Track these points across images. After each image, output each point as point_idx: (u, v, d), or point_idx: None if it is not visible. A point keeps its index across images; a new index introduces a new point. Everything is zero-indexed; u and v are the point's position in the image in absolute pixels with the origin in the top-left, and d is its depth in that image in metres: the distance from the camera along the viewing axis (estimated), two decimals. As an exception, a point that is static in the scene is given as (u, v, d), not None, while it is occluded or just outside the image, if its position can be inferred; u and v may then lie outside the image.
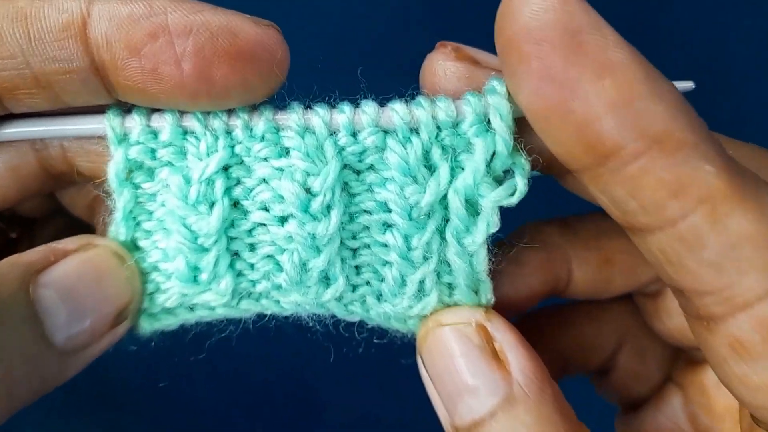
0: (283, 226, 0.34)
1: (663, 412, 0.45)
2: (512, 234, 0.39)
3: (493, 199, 0.33)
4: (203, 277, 0.36)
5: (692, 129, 0.28)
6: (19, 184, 0.39)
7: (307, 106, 0.34)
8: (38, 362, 0.33)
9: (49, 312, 0.34)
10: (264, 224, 0.35)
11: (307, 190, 0.34)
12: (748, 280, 0.28)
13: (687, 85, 0.33)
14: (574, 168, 0.30)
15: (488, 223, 0.34)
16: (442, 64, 0.35)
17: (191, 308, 0.38)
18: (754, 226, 0.27)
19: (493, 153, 0.33)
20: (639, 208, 0.29)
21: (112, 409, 0.78)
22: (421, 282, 0.36)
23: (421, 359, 0.37)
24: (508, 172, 0.34)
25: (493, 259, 0.36)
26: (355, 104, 0.34)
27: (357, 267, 0.37)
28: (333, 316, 0.39)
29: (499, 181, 0.34)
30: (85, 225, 0.49)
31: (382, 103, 0.34)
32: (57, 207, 0.48)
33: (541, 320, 0.46)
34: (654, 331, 0.44)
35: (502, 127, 0.32)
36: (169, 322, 0.39)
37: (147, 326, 0.39)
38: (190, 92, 0.32)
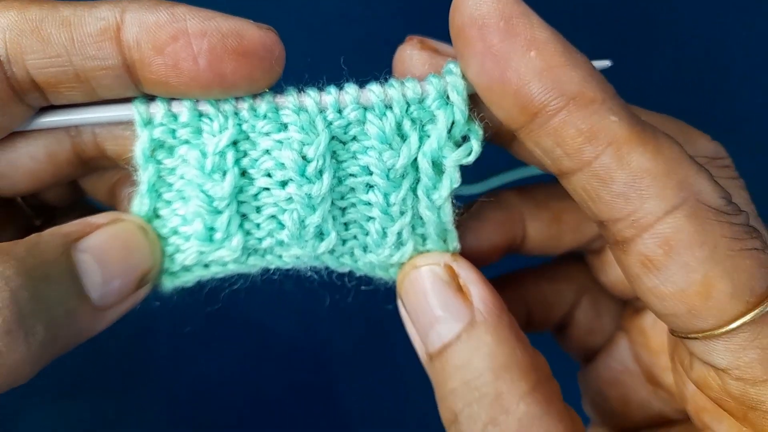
0: (283, 188, 0.42)
1: (614, 357, 0.52)
2: (475, 200, 0.47)
3: (454, 159, 0.41)
4: (218, 236, 0.43)
5: (601, 89, 0.35)
6: (54, 169, 0.45)
7: (301, 90, 0.42)
8: (76, 315, 0.39)
9: (87, 272, 0.40)
10: (268, 188, 0.42)
11: (303, 158, 0.41)
12: (648, 205, 0.34)
13: (604, 63, 0.41)
14: (513, 127, 0.38)
15: (451, 179, 0.41)
16: (410, 53, 0.43)
17: (206, 265, 0.45)
18: (650, 162, 0.34)
19: (453, 122, 0.40)
20: (563, 154, 0.36)
21: (115, 392, 0.81)
22: (399, 233, 0.43)
23: (400, 299, 0.44)
24: (466, 138, 0.41)
25: (457, 211, 0.43)
26: (340, 87, 0.42)
27: (346, 223, 0.44)
28: (327, 268, 0.46)
29: (458, 145, 0.41)
30: (101, 212, 0.56)
31: (361, 85, 0.41)
32: (77, 198, 0.54)
33: (507, 283, 0.53)
34: (601, 285, 0.51)
35: (458, 100, 0.40)
36: (187, 279, 0.46)
37: (168, 283, 0.46)
38: (205, 84, 0.39)
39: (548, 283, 0.53)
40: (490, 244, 0.47)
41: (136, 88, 0.41)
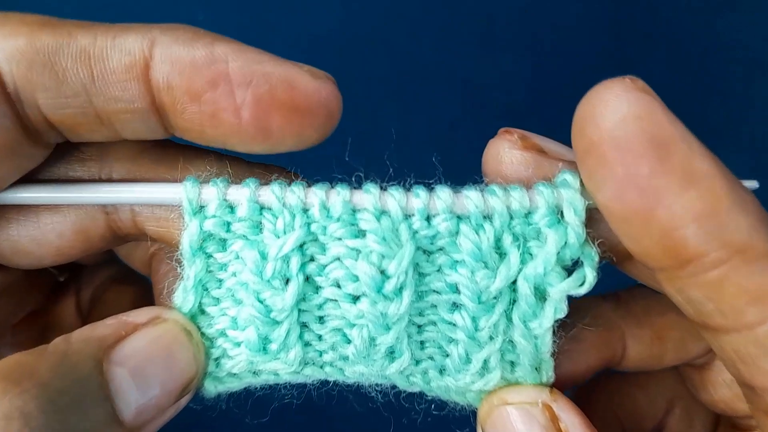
0: (354, 303, 0.35)
1: None
2: (571, 313, 0.40)
3: (561, 290, 0.34)
4: (273, 347, 0.37)
5: None
6: (84, 245, 0.40)
7: (383, 188, 0.35)
8: None
9: (121, 390, 0.34)
10: (335, 300, 0.36)
11: (382, 272, 0.35)
12: None
13: (752, 184, 0.34)
14: (650, 267, 0.31)
15: (556, 309, 0.35)
16: (509, 153, 0.36)
17: (256, 373, 0.39)
18: None
19: (564, 244, 0.34)
20: (716, 310, 0.30)
21: None
22: (486, 360, 0.37)
23: None
24: (577, 262, 0.34)
25: (556, 341, 0.37)
26: (429, 188, 0.35)
27: (422, 342, 0.38)
28: (393, 386, 0.40)
29: (567, 270, 0.35)
30: (134, 274, 0.50)
31: (454, 188, 0.35)
32: (108, 254, 0.48)
33: (596, 391, 0.47)
34: (698, 399, 0.45)
35: (574, 221, 0.33)
36: (234, 385, 0.40)
37: (211, 389, 0.40)
38: (247, 138, 0.33)
39: (641, 391, 0.47)
40: (587, 368, 0.40)
41: (166, 131, 0.35)
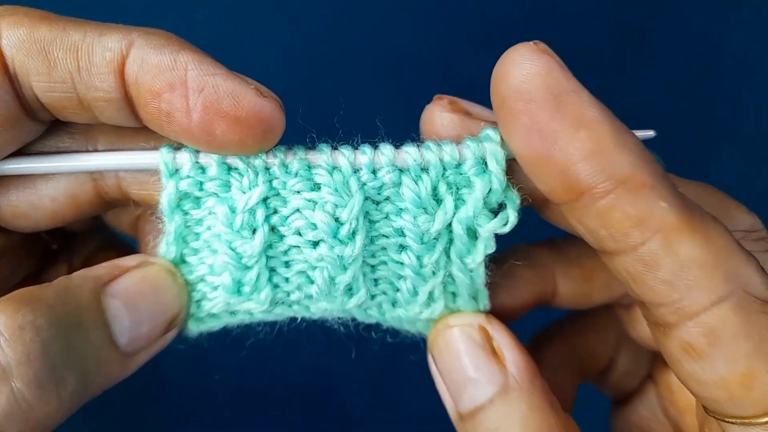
0: (315, 249, 0.41)
1: (644, 404, 0.52)
2: (506, 252, 0.46)
3: (489, 229, 0.40)
4: (246, 289, 0.43)
5: (651, 173, 0.34)
6: (75, 209, 0.45)
7: (334, 148, 0.41)
8: (106, 362, 0.39)
9: (116, 318, 0.40)
10: (298, 246, 0.42)
11: (336, 219, 0.40)
12: (695, 294, 0.33)
13: (648, 133, 0.40)
14: (556, 202, 0.37)
15: (485, 246, 0.41)
16: (440, 115, 0.41)
17: (233, 313, 0.45)
18: (699, 252, 0.33)
19: (489, 190, 0.39)
20: (608, 235, 0.35)
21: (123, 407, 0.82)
22: (431, 292, 0.43)
23: (432, 356, 0.44)
24: (502, 205, 0.40)
25: (490, 273, 0.43)
26: (374, 145, 0.40)
27: (375, 279, 0.44)
28: (353, 319, 0.46)
29: (494, 212, 0.40)
30: (122, 240, 0.55)
31: (395, 144, 0.40)
32: (97, 223, 0.54)
33: (553, 335, 0.53)
34: (630, 337, 0.50)
35: (497, 169, 0.39)
36: (213, 324, 0.46)
37: (194, 328, 0.46)
38: (195, 138, 0.38)
39: (594, 332, 0.53)
40: (521, 301, 0.46)
41: (137, 120, 0.40)
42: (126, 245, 0.55)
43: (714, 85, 0.85)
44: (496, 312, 0.44)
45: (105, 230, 0.54)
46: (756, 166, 0.86)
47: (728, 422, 0.35)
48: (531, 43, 0.36)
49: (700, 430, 0.44)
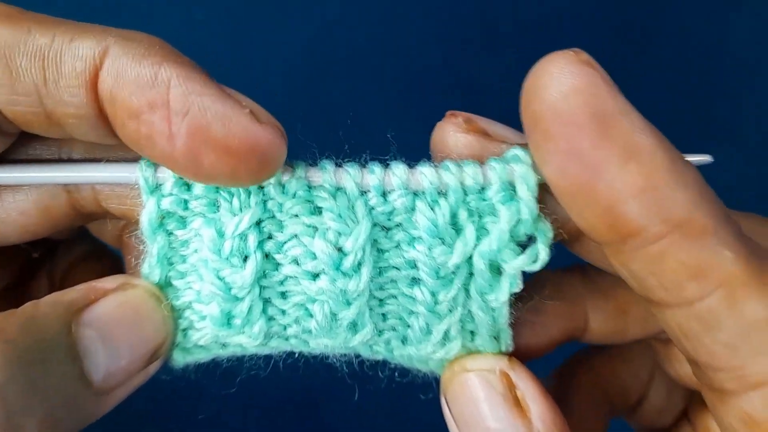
0: (314, 280, 0.36)
1: None
2: (532, 282, 0.40)
3: (515, 266, 0.34)
4: (236, 321, 0.37)
5: (712, 215, 0.29)
6: (48, 222, 0.40)
7: (339, 165, 0.35)
8: (77, 401, 0.34)
9: (89, 351, 0.35)
10: (295, 277, 0.36)
11: (339, 249, 0.35)
12: (761, 362, 0.29)
13: (704, 158, 0.34)
14: (595, 241, 0.32)
15: (511, 284, 0.35)
16: (454, 136, 0.35)
17: (224, 345, 0.40)
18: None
19: (518, 220, 0.34)
20: (658, 285, 0.30)
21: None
22: (446, 331, 0.37)
23: (446, 401, 0.39)
24: (531, 238, 0.35)
25: (514, 313, 0.37)
26: (385, 164, 0.35)
27: (383, 314, 0.38)
28: (357, 355, 0.41)
29: (521, 245, 0.35)
30: (107, 249, 0.50)
31: (410, 164, 0.35)
32: (81, 231, 0.49)
33: (580, 369, 0.48)
34: (666, 374, 0.45)
35: (527, 196, 0.33)
36: (202, 356, 0.41)
37: (180, 359, 0.41)
38: (179, 167, 0.33)
39: (624, 365, 0.48)
40: (548, 339, 0.41)
41: (115, 138, 0.35)
42: (112, 255, 0.51)
43: (714, 85, 0.84)
44: (519, 351, 0.39)
45: (89, 238, 0.50)
46: (756, 166, 0.84)
47: None
48: (570, 51, 0.30)
49: None
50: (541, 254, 0.34)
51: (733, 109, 0.83)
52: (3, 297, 0.48)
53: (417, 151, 0.36)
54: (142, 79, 0.31)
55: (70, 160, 0.38)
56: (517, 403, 0.36)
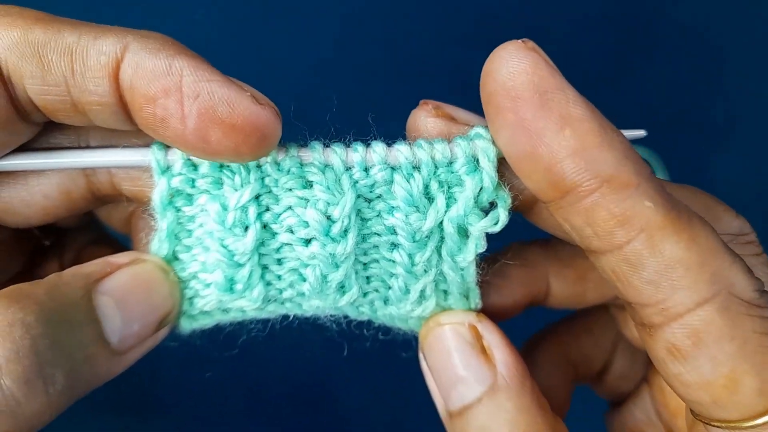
0: (307, 246, 0.41)
1: (639, 406, 0.52)
2: (499, 251, 0.46)
3: (480, 227, 0.40)
4: (238, 287, 0.43)
5: (636, 172, 0.34)
6: (68, 204, 0.45)
7: (326, 145, 0.41)
8: (96, 360, 0.39)
9: (107, 316, 0.39)
10: (290, 244, 0.42)
11: (328, 217, 0.40)
12: (679, 296, 0.33)
13: (638, 133, 0.40)
14: (542, 201, 0.37)
15: (476, 245, 0.41)
16: (424, 120, 0.41)
17: (225, 311, 0.45)
18: (684, 252, 0.33)
19: (480, 188, 0.39)
20: (593, 234, 0.35)
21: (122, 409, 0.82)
22: (422, 290, 0.43)
23: (423, 354, 0.44)
24: (493, 203, 0.40)
25: (481, 272, 0.43)
26: (366, 143, 0.40)
27: (367, 277, 0.44)
28: (345, 316, 0.46)
29: (485, 211, 0.40)
30: (113, 237, 0.55)
31: (388, 143, 0.40)
32: (89, 219, 0.54)
33: (546, 340, 0.53)
34: (625, 337, 0.50)
35: (488, 166, 0.39)
36: (206, 322, 0.46)
37: (186, 326, 0.46)
38: (190, 145, 0.38)
39: (588, 336, 0.53)
40: (513, 301, 0.47)
41: (132, 125, 0.40)
42: (117, 242, 0.55)
43: (713, 85, 0.85)
44: (488, 311, 0.45)
45: (96, 226, 0.54)
46: (755, 166, 0.86)
47: (713, 426, 0.35)
48: (519, 41, 0.36)
49: (688, 430, 0.44)
50: (501, 217, 0.40)
51: (733, 109, 0.85)
52: (14, 283, 0.52)
53: (396, 135, 0.41)
54: (158, 70, 0.37)
55: (89, 147, 0.43)
56: (483, 351, 0.42)
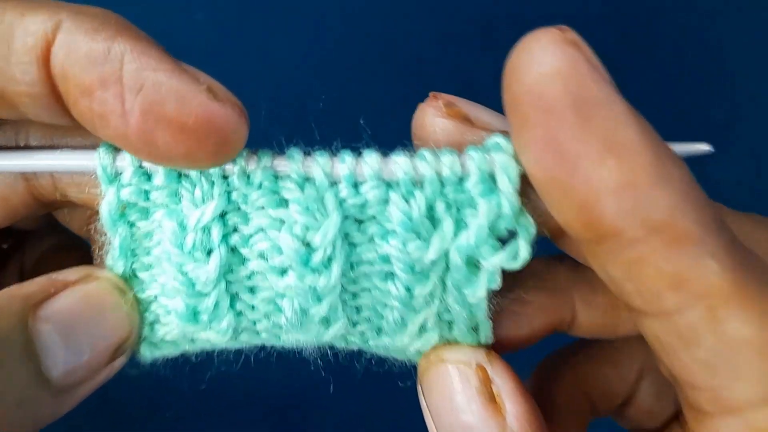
0: (282, 276, 0.34)
1: None
2: (517, 274, 0.39)
3: (494, 263, 0.32)
4: (203, 317, 0.36)
5: (698, 219, 0.26)
6: (7, 212, 0.38)
7: (307, 153, 0.33)
8: (33, 401, 0.33)
9: (48, 348, 0.33)
10: (262, 272, 0.35)
11: (307, 244, 0.33)
12: (741, 386, 0.27)
13: (703, 148, 0.31)
14: (574, 237, 0.29)
15: (489, 281, 0.33)
16: (432, 120, 0.33)
17: (192, 340, 0.38)
18: (753, 332, 0.26)
19: (498, 214, 0.32)
20: (635, 292, 0.28)
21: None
22: (423, 323, 0.36)
23: (422, 390, 0.37)
24: (512, 232, 0.33)
25: (494, 305, 0.35)
26: (357, 152, 0.33)
27: (357, 308, 0.36)
28: (332, 346, 0.39)
29: (502, 240, 0.33)
30: (79, 239, 0.48)
31: (383, 149, 0.33)
32: (51, 221, 0.47)
33: (561, 366, 0.45)
34: (656, 371, 0.43)
35: (508, 188, 0.31)
36: (170, 351, 0.39)
37: (147, 354, 0.39)
38: (134, 147, 0.31)
39: (611, 367, 0.45)
40: (530, 330, 0.39)
41: (70, 119, 0.33)
42: (84, 245, 0.48)
43: (714, 85, 0.82)
44: (500, 342, 0.37)
45: (60, 229, 0.48)
46: (756, 166, 0.83)
47: None
48: (555, 29, 0.28)
49: None
50: (521, 252, 0.32)
51: (733, 109, 0.82)
52: None
53: (393, 142, 0.34)
54: (95, 54, 0.30)
55: (27, 147, 0.36)
56: (492, 399, 0.35)
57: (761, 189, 0.82)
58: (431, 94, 0.33)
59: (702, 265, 0.26)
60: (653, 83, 0.79)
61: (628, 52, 0.78)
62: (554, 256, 0.40)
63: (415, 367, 0.39)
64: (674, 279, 0.26)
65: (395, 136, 0.33)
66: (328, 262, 0.33)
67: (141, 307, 0.37)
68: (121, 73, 0.29)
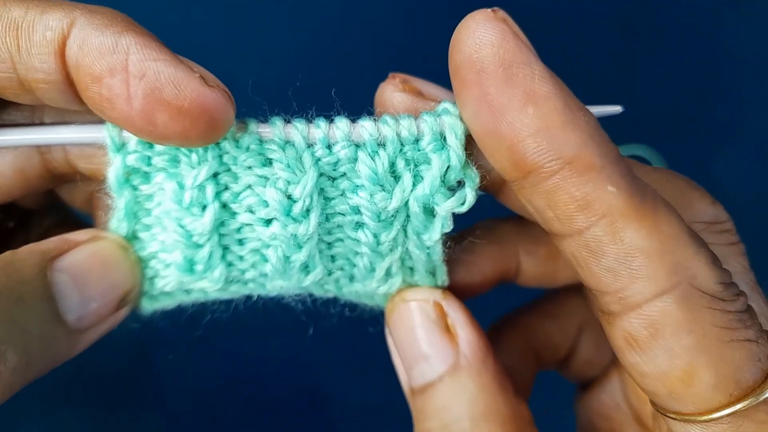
0: (267, 227, 0.40)
1: (607, 391, 0.51)
2: (468, 227, 0.45)
3: (446, 208, 0.39)
4: (198, 267, 0.41)
5: (600, 154, 0.33)
6: (24, 183, 0.43)
7: (288, 121, 0.39)
8: (52, 339, 0.38)
9: (63, 294, 0.38)
10: (250, 224, 0.40)
11: (288, 197, 0.39)
12: (638, 285, 0.33)
13: (614, 108, 0.38)
14: (506, 179, 0.36)
15: (442, 225, 0.40)
16: (391, 95, 0.40)
17: (187, 291, 0.44)
18: (645, 240, 0.32)
19: (447, 166, 0.38)
20: (554, 217, 0.34)
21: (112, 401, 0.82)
22: (388, 268, 0.42)
23: (388, 329, 0.44)
24: (461, 182, 0.39)
25: (447, 251, 0.42)
26: (329, 119, 0.39)
27: (332, 256, 0.43)
28: (310, 294, 0.45)
29: (452, 190, 0.39)
30: (78, 218, 0.54)
31: (352, 117, 0.39)
32: (53, 200, 0.52)
33: (509, 326, 0.52)
34: (592, 322, 0.50)
35: (456, 144, 0.37)
36: (168, 303, 0.44)
37: (148, 306, 0.44)
38: (137, 127, 0.36)
39: (553, 321, 0.52)
40: (482, 278, 0.46)
41: (81, 104, 0.38)
42: (83, 223, 0.53)
43: (714, 85, 0.85)
44: (456, 288, 0.44)
45: (61, 208, 0.53)
46: (756, 166, 0.86)
47: (669, 417, 0.35)
48: (489, 9, 0.34)
49: (653, 420, 0.44)
50: (468, 197, 0.39)
51: (733, 109, 0.84)
52: None
53: (361, 111, 0.40)
54: (104, 47, 0.35)
55: (42, 124, 0.41)
56: (447, 330, 0.41)
57: (762, 189, 0.85)
58: (390, 74, 0.40)
59: (603, 189, 0.32)
60: (654, 83, 0.82)
61: (629, 52, 0.81)
62: (500, 217, 0.47)
63: (382, 313, 0.45)
64: (582, 202, 0.33)
65: (361, 107, 0.39)
66: (306, 212, 0.39)
67: (141, 264, 0.43)
68: (126, 62, 0.35)
